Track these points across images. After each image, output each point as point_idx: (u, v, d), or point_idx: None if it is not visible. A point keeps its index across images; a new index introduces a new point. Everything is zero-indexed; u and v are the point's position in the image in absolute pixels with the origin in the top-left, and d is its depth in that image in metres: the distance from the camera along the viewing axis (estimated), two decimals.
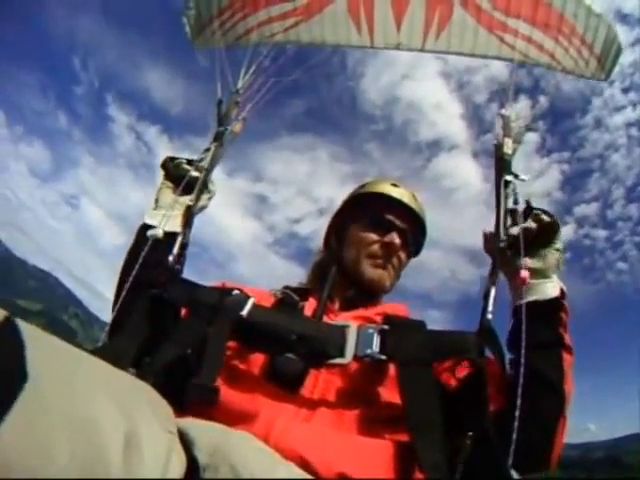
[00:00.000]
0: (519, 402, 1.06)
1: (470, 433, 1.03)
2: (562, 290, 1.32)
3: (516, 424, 1.02)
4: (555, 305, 1.29)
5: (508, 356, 1.26)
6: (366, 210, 1.57)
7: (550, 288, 1.32)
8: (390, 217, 1.52)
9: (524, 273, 1.27)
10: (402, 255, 1.53)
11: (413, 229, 1.56)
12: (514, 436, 1.00)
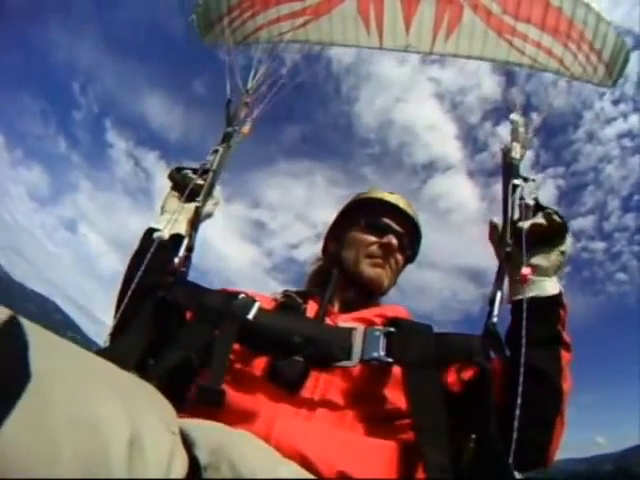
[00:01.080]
0: (519, 401, 1.06)
1: (474, 435, 1.04)
2: (561, 290, 1.32)
3: (516, 424, 1.03)
4: (554, 302, 1.29)
5: (507, 353, 1.26)
6: (364, 215, 1.60)
7: (549, 286, 1.32)
8: (387, 220, 1.56)
9: (525, 270, 1.28)
10: (399, 257, 1.57)
11: (409, 233, 1.60)
12: (514, 435, 1.01)
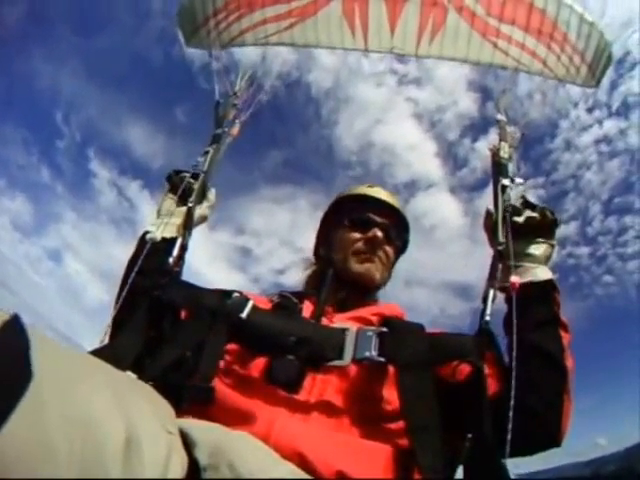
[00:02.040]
0: (514, 382, 1.08)
1: (469, 435, 1.05)
2: (553, 276, 1.37)
3: (512, 403, 1.05)
4: (549, 286, 1.34)
5: (505, 340, 1.29)
6: (347, 213, 1.62)
7: (542, 272, 1.37)
8: (370, 215, 1.57)
9: (514, 278, 1.30)
10: (387, 249, 1.57)
11: (394, 223, 1.61)
12: (510, 414, 1.03)
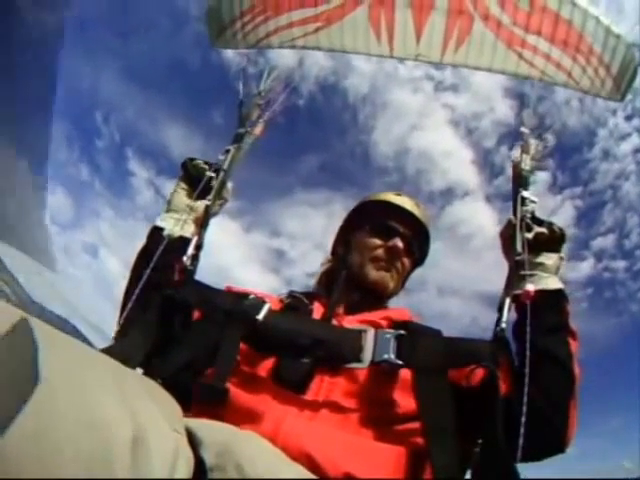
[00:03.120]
0: (526, 389, 1.09)
1: (480, 439, 1.05)
2: (563, 286, 1.39)
3: (524, 409, 1.06)
4: (559, 295, 1.36)
5: (514, 346, 1.31)
6: (370, 218, 1.60)
7: (552, 282, 1.39)
8: (393, 223, 1.55)
9: (530, 287, 1.30)
10: (405, 260, 1.55)
11: (416, 235, 1.59)
12: (523, 419, 1.04)
